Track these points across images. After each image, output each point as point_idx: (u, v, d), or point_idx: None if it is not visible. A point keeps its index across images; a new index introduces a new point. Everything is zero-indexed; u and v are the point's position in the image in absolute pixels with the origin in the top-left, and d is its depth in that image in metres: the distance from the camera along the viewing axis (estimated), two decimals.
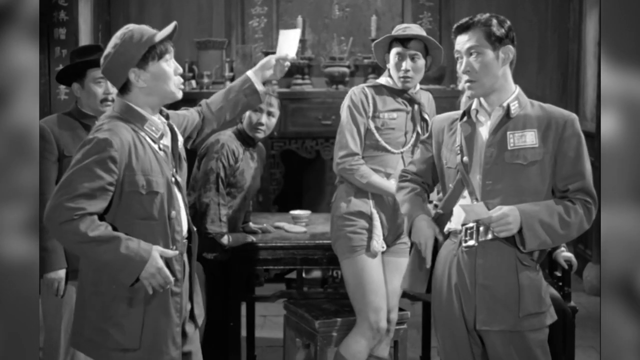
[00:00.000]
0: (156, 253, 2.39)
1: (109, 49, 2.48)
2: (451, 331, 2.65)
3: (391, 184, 3.30)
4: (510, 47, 2.58)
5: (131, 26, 2.49)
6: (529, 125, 2.56)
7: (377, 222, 3.31)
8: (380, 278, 3.33)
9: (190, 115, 2.83)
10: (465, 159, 2.62)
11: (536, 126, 2.56)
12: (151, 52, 2.45)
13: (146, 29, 2.48)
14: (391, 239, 3.40)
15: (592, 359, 4.45)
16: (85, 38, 5.74)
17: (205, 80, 6.20)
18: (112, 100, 3.31)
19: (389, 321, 3.39)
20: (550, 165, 2.55)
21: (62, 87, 5.46)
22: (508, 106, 2.58)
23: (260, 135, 3.68)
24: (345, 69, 6.25)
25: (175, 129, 2.62)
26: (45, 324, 3.30)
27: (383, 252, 3.36)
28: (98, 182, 2.33)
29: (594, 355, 4.50)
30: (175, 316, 2.51)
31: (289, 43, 2.98)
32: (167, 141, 2.56)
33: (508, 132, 2.56)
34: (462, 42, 2.60)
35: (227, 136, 3.64)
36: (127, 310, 2.42)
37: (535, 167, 2.54)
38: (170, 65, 2.51)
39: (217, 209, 3.54)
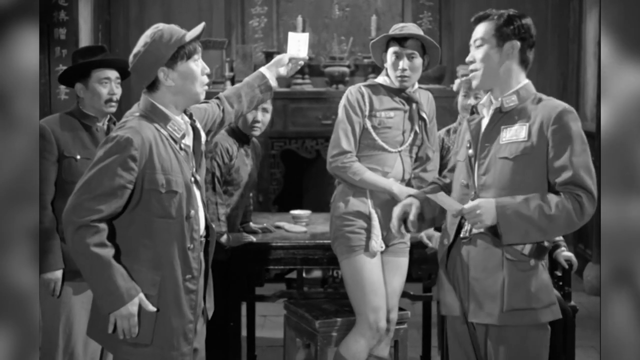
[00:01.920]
0: (137, 300, 2.42)
1: (138, 47, 2.51)
2: (452, 323, 2.67)
3: (386, 180, 3.30)
4: (516, 42, 2.58)
5: (161, 25, 2.53)
6: (522, 119, 2.56)
7: (375, 222, 3.30)
8: (380, 278, 3.33)
9: (210, 108, 2.85)
10: (470, 152, 2.64)
11: (528, 120, 2.55)
12: (180, 52, 2.49)
13: (176, 29, 2.52)
14: (390, 239, 3.39)
15: (592, 359, 4.45)
16: (85, 38, 5.74)
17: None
18: (116, 101, 3.32)
19: (389, 321, 3.38)
20: (543, 160, 2.53)
21: (62, 87, 5.46)
22: (501, 100, 2.59)
23: (257, 132, 3.68)
24: (346, 69, 6.25)
25: (199, 127, 2.64)
26: (43, 324, 3.30)
27: (382, 252, 3.35)
28: (118, 181, 2.37)
29: (594, 355, 4.51)
30: (190, 313, 2.53)
31: (298, 45, 3.05)
32: (188, 141, 2.58)
33: (502, 127, 2.58)
34: (474, 33, 2.63)
35: (220, 135, 3.64)
36: (140, 306, 2.44)
37: (523, 161, 2.52)
38: (198, 65, 2.55)
39: (215, 209, 3.54)
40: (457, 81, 4.37)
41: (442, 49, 7.10)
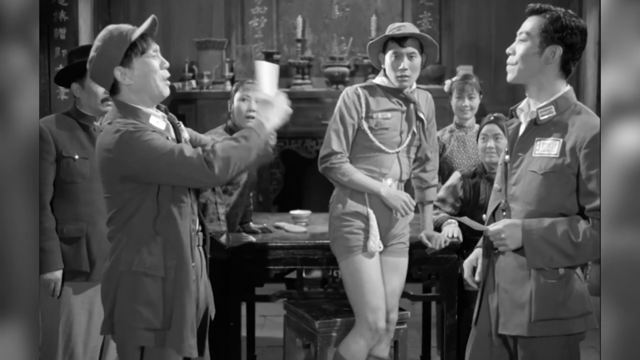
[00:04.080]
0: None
1: (92, 53, 2.50)
2: (479, 329, 2.64)
3: (375, 182, 3.30)
4: (559, 48, 2.45)
5: (110, 27, 2.51)
6: (557, 133, 2.46)
7: (373, 222, 3.30)
8: (378, 278, 3.32)
9: (204, 139, 2.83)
10: (507, 157, 2.58)
11: (563, 136, 2.45)
12: (133, 49, 2.47)
13: (125, 27, 2.50)
14: (388, 239, 3.39)
15: (592, 359, 4.45)
16: (85, 38, 5.74)
17: (205, 80, 6.21)
18: None
19: (388, 321, 3.38)
20: (573, 180, 2.44)
21: (62, 87, 5.46)
22: (537, 112, 2.50)
23: None
24: (345, 69, 6.25)
25: (177, 122, 2.63)
26: (43, 324, 3.30)
27: (382, 252, 3.35)
28: (160, 137, 2.42)
29: (594, 355, 4.50)
30: (195, 303, 2.54)
31: (269, 78, 2.64)
32: (172, 134, 2.58)
33: (536, 138, 2.49)
34: (523, 24, 2.53)
35: (217, 134, 3.64)
36: (159, 290, 2.44)
37: (552, 179, 2.44)
38: (155, 60, 2.51)
39: (215, 208, 3.54)
40: (447, 82, 4.37)
41: (442, 49, 7.12)
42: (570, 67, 2.51)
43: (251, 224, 3.93)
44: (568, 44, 2.46)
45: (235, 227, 3.78)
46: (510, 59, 2.54)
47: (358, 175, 3.29)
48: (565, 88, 2.52)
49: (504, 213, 2.58)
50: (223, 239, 3.55)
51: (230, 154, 2.41)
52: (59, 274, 3.21)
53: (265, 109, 2.57)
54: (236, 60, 6.34)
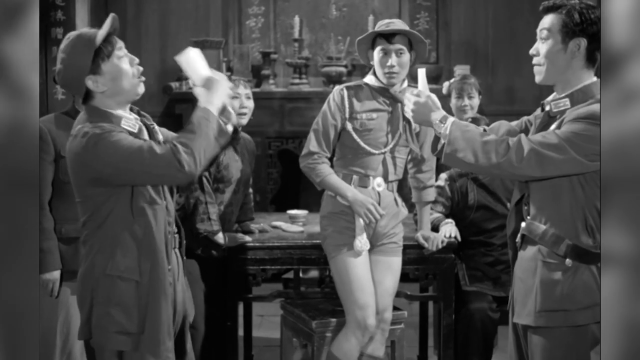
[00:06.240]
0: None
1: (57, 64, 2.46)
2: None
3: (344, 185, 3.30)
4: (583, 40, 2.43)
5: (71, 35, 2.46)
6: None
7: (359, 222, 3.29)
8: (366, 276, 3.32)
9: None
10: None
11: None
12: (99, 54, 2.42)
13: (85, 32, 2.45)
14: (377, 238, 3.39)
15: (592, 359, 4.45)
16: None
17: None
18: None
19: (382, 320, 3.38)
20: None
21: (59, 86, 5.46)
22: (551, 104, 2.49)
23: (245, 120, 3.66)
24: (343, 69, 6.26)
25: (150, 123, 2.59)
26: (41, 324, 3.30)
27: (373, 252, 3.35)
28: (128, 137, 2.38)
29: (593, 355, 4.50)
30: (172, 306, 2.52)
31: (199, 63, 2.55)
32: (145, 136, 2.54)
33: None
34: (541, 22, 2.51)
35: None
36: (132, 294, 2.42)
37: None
38: (124, 60, 2.47)
39: (205, 208, 3.53)
40: (445, 84, 4.39)
41: (439, 49, 7.13)
42: (596, 57, 2.47)
43: (251, 225, 3.92)
44: (590, 34, 2.43)
45: (232, 225, 3.77)
46: (535, 60, 2.52)
47: (331, 177, 3.30)
48: (590, 80, 2.48)
49: (525, 207, 2.57)
50: (218, 238, 3.55)
51: (191, 146, 2.37)
52: (57, 274, 3.21)
53: (205, 93, 2.52)
54: (233, 59, 6.34)
